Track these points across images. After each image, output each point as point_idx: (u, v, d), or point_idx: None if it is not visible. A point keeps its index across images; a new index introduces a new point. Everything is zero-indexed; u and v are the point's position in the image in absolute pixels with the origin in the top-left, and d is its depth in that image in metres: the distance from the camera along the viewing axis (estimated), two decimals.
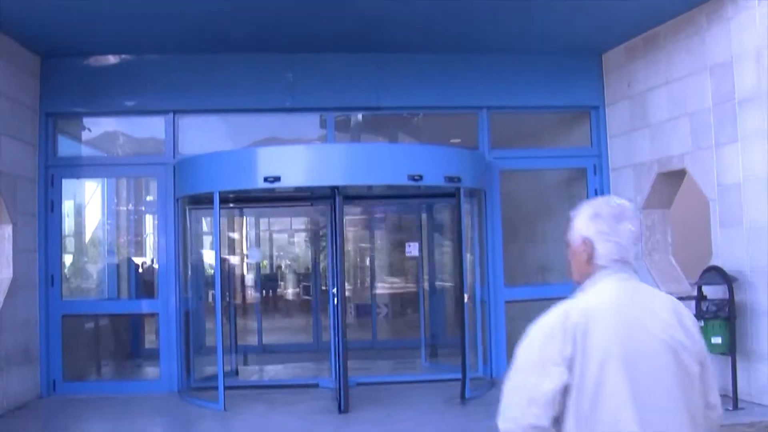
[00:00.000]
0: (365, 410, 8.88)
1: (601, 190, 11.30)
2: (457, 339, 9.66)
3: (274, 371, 12.34)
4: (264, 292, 16.46)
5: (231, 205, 11.34)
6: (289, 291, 17.19)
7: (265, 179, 9.24)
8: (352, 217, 14.35)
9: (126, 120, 11.37)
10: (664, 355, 2.54)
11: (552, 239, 12.62)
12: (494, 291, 10.86)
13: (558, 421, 2.55)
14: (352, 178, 9.54)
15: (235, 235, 13.91)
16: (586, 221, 2.85)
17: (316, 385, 10.62)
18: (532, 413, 2.51)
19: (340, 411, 8.75)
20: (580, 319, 2.58)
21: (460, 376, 9.41)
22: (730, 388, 8.54)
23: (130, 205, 14.30)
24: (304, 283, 13.82)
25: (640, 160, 10.56)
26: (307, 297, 13.94)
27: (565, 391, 2.51)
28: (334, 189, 9.13)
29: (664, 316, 2.65)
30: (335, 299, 9.25)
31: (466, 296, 9.62)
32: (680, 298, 9.04)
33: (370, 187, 10.50)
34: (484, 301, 10.68)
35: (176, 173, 10.49)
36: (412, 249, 11.35)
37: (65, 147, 11.04)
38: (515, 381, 2.63)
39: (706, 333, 8.61)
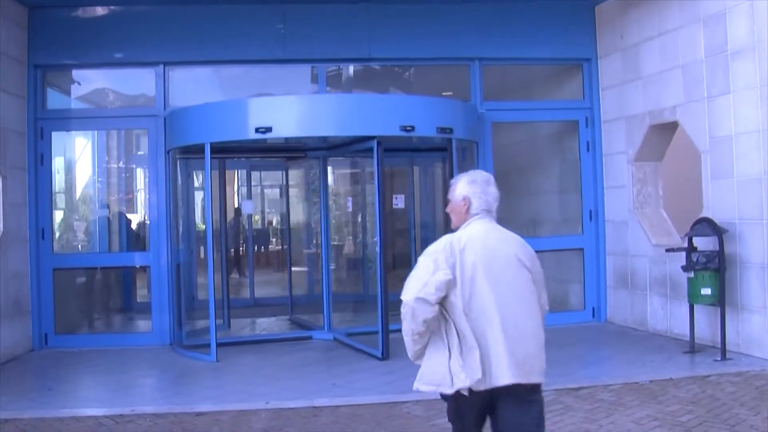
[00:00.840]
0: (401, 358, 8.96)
1: (593, 143, 11.31)
2: None
3: (266, 324, 12.40)
4: (256, 246, 16.49)
5: (222, 156, 11.25)
6: (280, 246, 17.21)
7: (257, 130, 9.20)
8: (342, 171, 14.32)
9: (116, 72, 11.28)
10: (508, 263, 3.96)
11: (543, 192, 12.72)
12: None
13: (442, 303, 3.86)
14: (344, 129, 9.53)
15: (227, 189, 13.84)
16: (465, 185, 4.16)
17: (309, 338, 10.71)
18: (424, 291, 3.80)
19: (381, 358, 8.89)
20: (459, 242, 3.93)
21: None
22: (718, 339, 8.65)
23: (121, 160, 14.24)
24: (296, 237, 13.79)
25: (632, 113, 10.55)
26: (298, 251, 13.90)
27: (450, 284, 3.83)
28: (376, 142, 9.10)
29: (510, 242, 4.06)
30: (378, 249, 9.26)
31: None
32: (670, 250, 9.22)
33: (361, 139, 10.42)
34: None
35: (167, 125, 10.43)
36: (399, 201, 11.35)
37: (54, 100, 10.95)
38: (416, 275, 3.90)
39: (695, 284, 8.70)
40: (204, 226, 11.14)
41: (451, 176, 9.54)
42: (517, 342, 3.82)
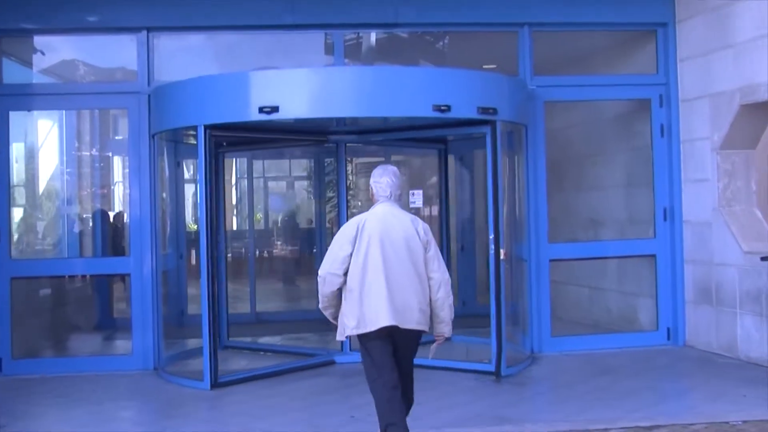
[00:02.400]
0: None
1: (669, 126, 11.13)
2: (489, 307, 9.62)
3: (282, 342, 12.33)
4: (258, 251, 16.37)
5: (219, 143, 11.10)
6: (288, 249, 17.08)
7: (261, 110, 9.09)
8: (361, 160, 14.17)
9: (88, 39, 11.09)
10: (398, 237, 6.10)
11: (607, 186, 12.55)
12: (536, 249, 10.78)
13: (347, 273, 6.08)
14: (365, 109, 9.43)
15: (225, 182, 13.73)
16: (372, 177, 6.39)
17: (331, 362, 10.55)
18: (334, 266, 6.07)
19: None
20: (361, 221, 6.14)
21: (494, 349, 9.42)
22: None
23: (95, 147, 14.07)
24: (305, 240, 13.67)
25: (718, 89, 10.34)
26: (309, 256, 13.78)
27: (351, 256, 6.06)
28: (490, 128, 9.20)
29: (405, 222, 6.18)
30: (495, 251, 9.21)
31: (502, 252, 9.49)
32: (767, 259, 8.97)
33: (385, 120, 10.34)
34: (523, 259, 10.58)
35: (151, 104, 10.32)
36: (416, 199, 11.15)
37: (12, 72, 10.79)
38: (330, 251, 6.16)
39: None
40: (196, 226, 10.90)
41: (495, 167, 9.43)
42: (397, 295, 6.00)
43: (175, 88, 9.91)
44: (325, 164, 12.62)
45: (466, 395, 8.80)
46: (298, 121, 9.94)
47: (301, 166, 13.20)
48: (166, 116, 9.95)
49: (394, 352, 6.09)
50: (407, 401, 6.26)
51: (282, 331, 12.96)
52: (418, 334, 6.15)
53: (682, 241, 11.11)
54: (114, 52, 11.16)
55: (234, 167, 16.13)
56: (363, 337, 6.05)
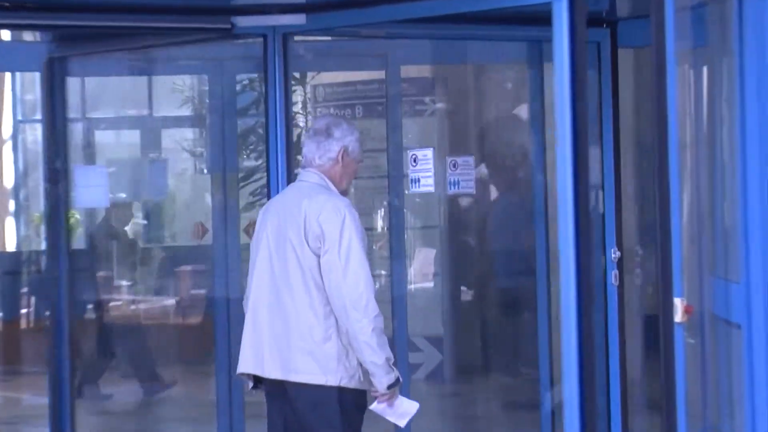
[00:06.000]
0: None
1: None
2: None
3: None
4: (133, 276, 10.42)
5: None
6: (141, 306, 10.60)
7: None
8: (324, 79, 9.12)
9: None
10: (289, 237, 4.39)
11: None
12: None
13: None
14: None
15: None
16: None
17: None
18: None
19: None
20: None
21: None
22: None
23: None
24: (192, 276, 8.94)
25: None
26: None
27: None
28: None
29: (297, 207, 4.45)
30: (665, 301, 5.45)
31: (681, 305, 5.10)
32: None
33: None
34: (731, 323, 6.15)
35: None
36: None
37: None
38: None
39: None
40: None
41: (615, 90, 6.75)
42: (265, 324, 4.36)
43: None
44: (239, 89, 8.25)
45: None
46: None
47: (177, 95, 8.37)
48: None
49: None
50: None
51: None
52: (311, 393, 4.21)
53: None
54: None
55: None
56: None
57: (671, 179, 5.39)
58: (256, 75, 8.03)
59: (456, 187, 6.94)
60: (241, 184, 8.53)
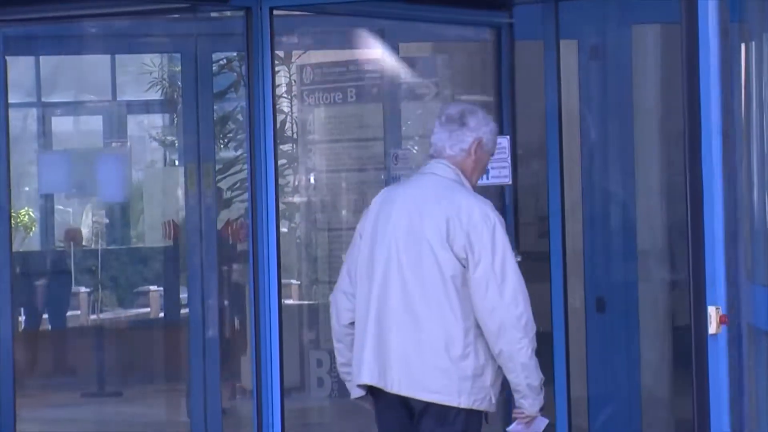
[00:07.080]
0: None
1: None
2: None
3: None
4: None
5: None
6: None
7: None
8: (318, 57, 8.55)
9: None
10: (421, 242, 4.18)
11: None
12: None
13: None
14: None
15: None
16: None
17: None
18: (340, 279, 4.24)
19: None
20: (378, 198, 4.43)
21: None
22: None
23: None
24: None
25: None
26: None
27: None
28: None
29: (437, 209, 4.25)
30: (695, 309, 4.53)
31: (716, 313, 4.26)
32: None
33: None
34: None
35: None
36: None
37: None
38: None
39: None
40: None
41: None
42: (392, 334, 4.11)
43: None
44: (216, 69, 7.98)
45: None
46: None
47: (145, 77, 8.57)
48: None
49: None
50: None
51: None
52: (439, 412, 3.92)
53: None
54: None
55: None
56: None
57: (704, 172, 4.65)
58: (235, 54, 7.79)
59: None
60: (218, 176, 8.22)
